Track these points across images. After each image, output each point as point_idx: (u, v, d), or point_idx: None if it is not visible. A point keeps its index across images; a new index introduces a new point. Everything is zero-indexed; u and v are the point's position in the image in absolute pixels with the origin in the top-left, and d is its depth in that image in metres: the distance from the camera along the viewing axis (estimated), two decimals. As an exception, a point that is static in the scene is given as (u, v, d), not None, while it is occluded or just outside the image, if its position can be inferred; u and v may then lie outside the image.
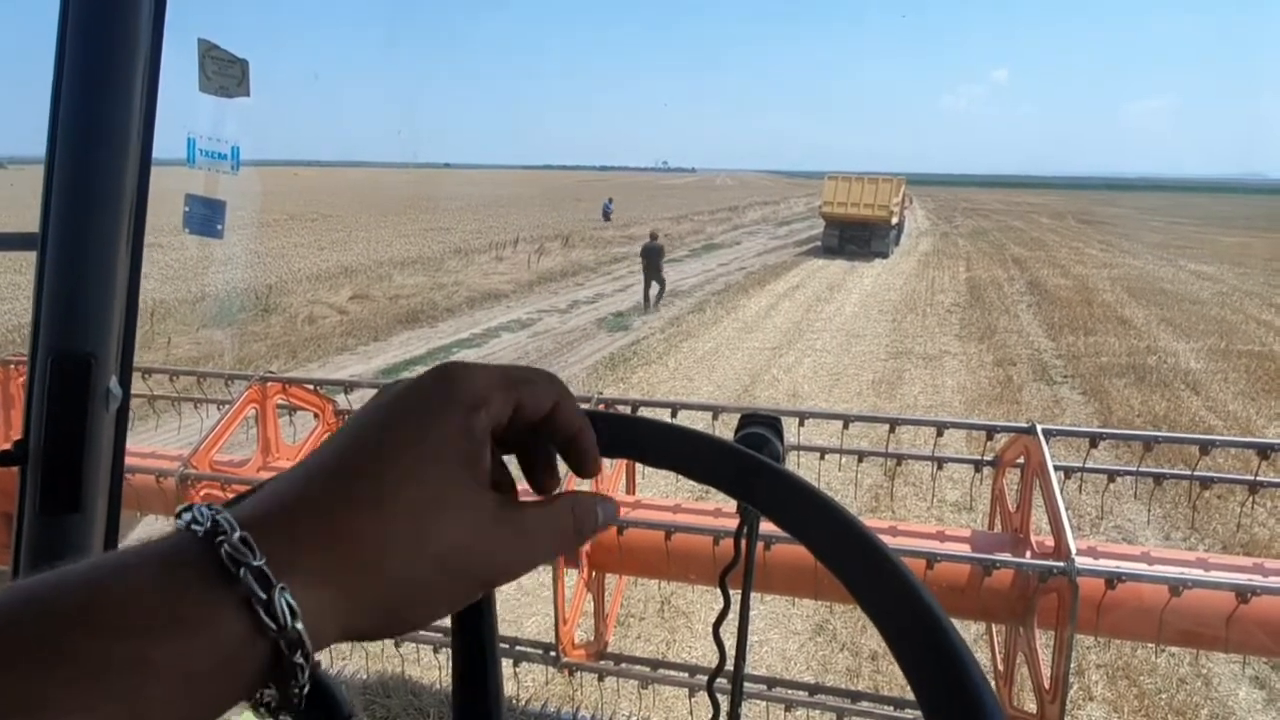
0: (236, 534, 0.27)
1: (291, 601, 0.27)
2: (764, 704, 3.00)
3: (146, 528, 3.61)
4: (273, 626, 0.27)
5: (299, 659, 0.27)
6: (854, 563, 0.32)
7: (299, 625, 0.27)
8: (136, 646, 0.24)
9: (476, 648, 0.42)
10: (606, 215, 35.61)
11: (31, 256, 0.91)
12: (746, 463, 0.36)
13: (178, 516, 0.29)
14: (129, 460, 1.02)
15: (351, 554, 0.30)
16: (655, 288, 15.64)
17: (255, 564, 0.27)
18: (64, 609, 0.25)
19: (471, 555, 0.32)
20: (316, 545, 0.29)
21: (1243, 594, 2.22)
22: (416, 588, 0.31)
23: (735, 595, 0.61)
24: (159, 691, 0.24)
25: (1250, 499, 2.93)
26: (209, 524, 0.28)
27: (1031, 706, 2.54)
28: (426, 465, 0.32)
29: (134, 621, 0.25)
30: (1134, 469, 2.93)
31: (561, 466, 0.41)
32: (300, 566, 0.28)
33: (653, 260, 15.63)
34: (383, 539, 0.30)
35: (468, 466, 0.33)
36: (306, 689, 0.28)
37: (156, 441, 4.44)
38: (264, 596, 0.27)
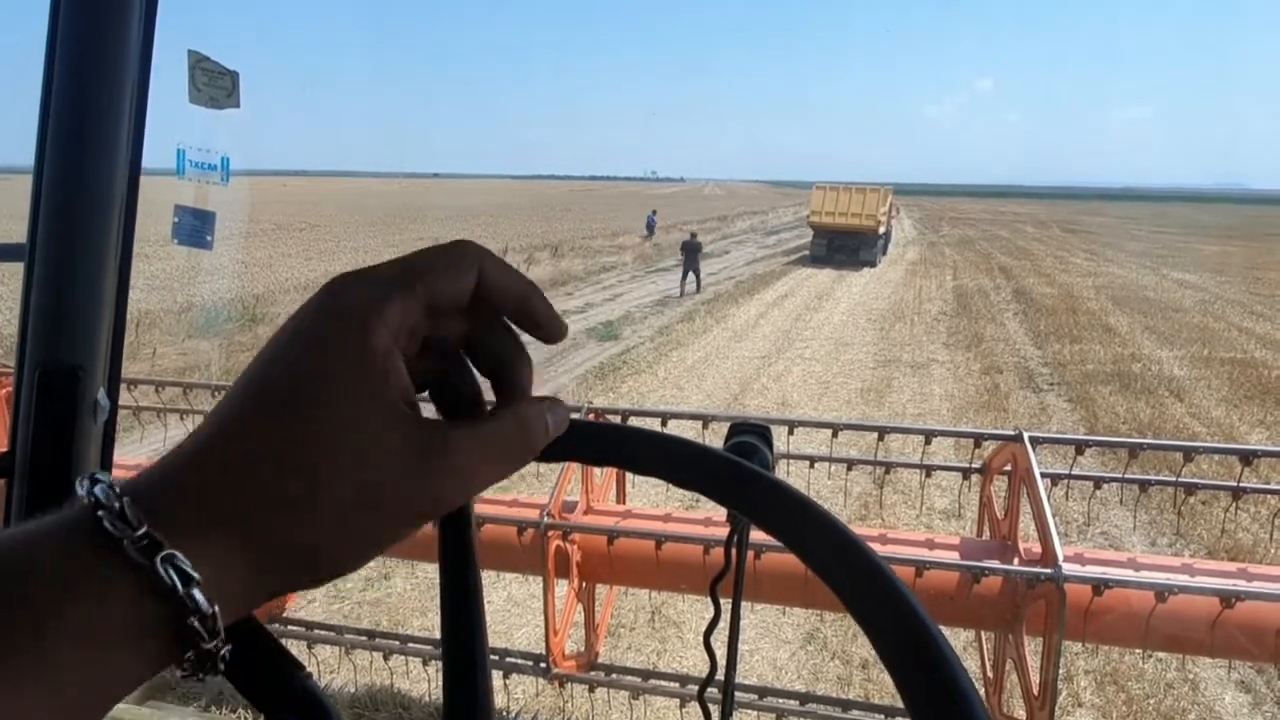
0: (117, 504, 0.27)
1: (183, 566, 0.26)
2: (755, 713, 2.99)
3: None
4: (166, 591, 0.26)
5: (194, 622, 0.26)
6: (844, 571, 0.33)
7: (194, 591, 0.26)
8: (36, 615, 0.24)
9: (466, 658, 0.42)
10: (650, 229, 33.15)
11: (19, 267, 0.90)
12: (737, 471, 0.37)
13: (79, 484, 0.28)
14: (115, 473, 1.01)
15: (253, 506, 0.28)
16: (691, 279, 18.59)
17: (137, 533, 0.26)
18: None
19: (398, 489, 0.30)
20: (211, 503, 0.28)
21: (1227, 599, 2.24)
22: (336, 531, 0.29)
23: (726, 604, 0.61)
24: (63, 659, 0.24)
25: (1234, 504, 2.97)
26: (93, 497, 0.27)
27: (1021, 713, 2.55)
28: (326, 397, 0.30)
29: (31, 591, 0.25)
30: (1120, 475, 2.96)
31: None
32: (194, 528, 0.27)
33: (691, 255, 18.71)
34: (284, 485, 0.28)
35: (373, 390, 0.30)
36: (223, 651, 0.28)
37: (141, 454, 4.40)
38: (145, 563, 0.26)
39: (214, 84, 0.96)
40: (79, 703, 0.25)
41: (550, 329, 0.36)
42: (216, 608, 0.27)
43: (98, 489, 0.27)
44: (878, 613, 0.31)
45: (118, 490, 0.28)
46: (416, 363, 0.33)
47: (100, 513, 0.27)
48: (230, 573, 0.28)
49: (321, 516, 0.29)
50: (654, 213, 35.36)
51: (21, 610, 0.25)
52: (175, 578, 0.26)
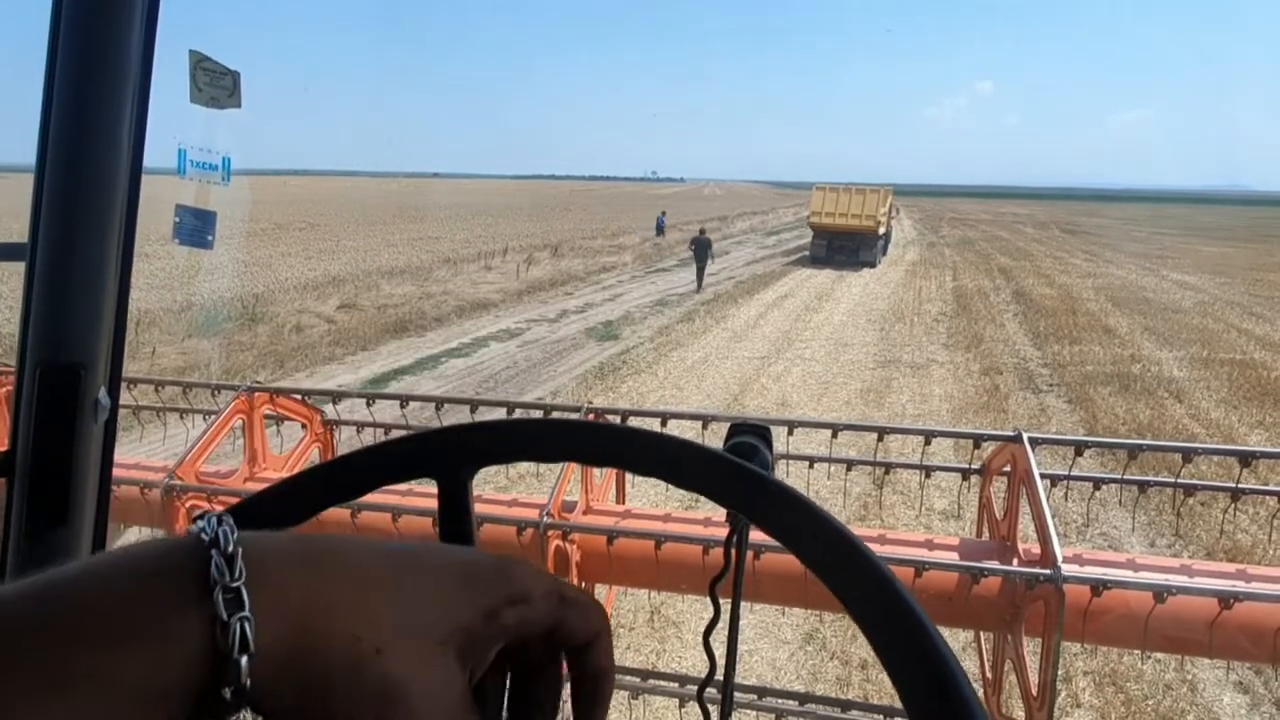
0: (230, 548, 0.27)
1: (249, 633, 0.26)
2: (754, 713, 2.99)
3: (131, 540, 3.57)
4: (223, 653, 0.26)
5: (226, 694, 0.26)
6: (843, 571, 0.33)
7: (243, 661, 0.26)
8: (93, 657, 0.24)
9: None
10: (660, 229, 32.99)
11: (20, 266, 0.90)
12: (737, 472, 0.37)
13: (193, 521, 0.29)
14: (114, 471, 1.01)
15: (311, 615, 0.28)
16: (701, 273, 19.90)
17: (233, 584, 0.26)
18: (26, 616, 0.25)
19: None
20: (291, 583, 0.28)
21: (1226, 600, 2.24)
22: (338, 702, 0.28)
23: (725, 604, 0.62)
24: (111, 704, 0.24)
25: (1233, 506, 2.96)
26: (213, 534, 0.28)
27: (1019, 714, 2.55)
28: (428, 606, 0.30)
29: (93, 631, 0.25)
30: (1119, 476, 2.96)
31: None
32: (268, 603, 0.27)
33: (701, 250, 20.04)
34: (336, 619, 0.28)
35: (460, 646, 0.30)
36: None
37: (141, 452, 4.40)
38: (224, 618, 0.26)
39: (215, 84, 0.96)
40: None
41: (593, 713, 0.36)
42: (249, 684, 0.26)
43: (222, 527, 0.28)
44: (876, 613, 0.31)
45: (235, 535, 0.28)
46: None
47: (214, 551, 0.27)
48: (269, 670, 0.27)
49: (334, 673, 0.28)
50: (663, 213, 35.18)
51: (77, 654, 0.24)
52: (236, 644, 0.26)
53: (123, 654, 0.25)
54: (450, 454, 0.43)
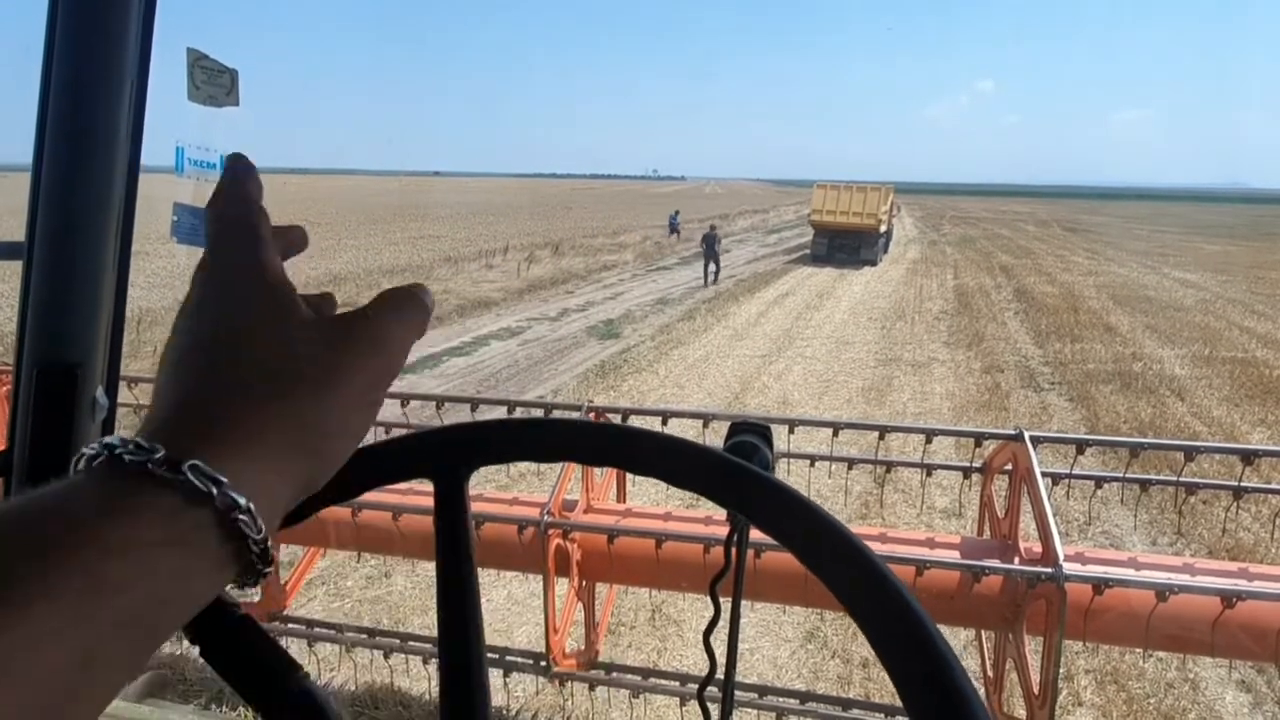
0: (131, 441, 0.29)
1: (208, 471, 0.28)
2: (755, 712, 2.99)
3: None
4: (203, 496, 0.28)
5: (239, 517, 0.29)
6: (842, 571, 0.32)
7: (229, 491, 0.28)
8: (75, 538, 0.25)
9: (463, 657, 0.42)
10: (673, 228, 32.64)
11: (17, 266, 0.90)
12: (736, 471, 0.36)
13: (76, 462, 0.30)
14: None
15: (243, 408, 0.32)
16: (712, 268, 20.28)
17: (156, 455, 0.28)
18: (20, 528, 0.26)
19: (299, 361, 0.34)
20: (213, 417, 0.31)
21: (1228, 599, 2.24)
22: (333, 416, 0.34)
23: (726, 603, 0.61)
24: (112, 573, 0.25)
25: (1235, 504, 2.96)
26: (105, 448, 0.29)
27: (1021, 712, 2.55)
28: (241, 298, 0.35)
29: (67, 520, 0.26)
30: (1120, 475, 2.95)
31: None
32: (206, 442, 0.30)
33: (710, 246, 20.36)
34: (254, 381, 0.33)
35: (271, 290, 0.36)
36: (269, 545, 0.30)
37: (142, 451, 4.39)
38: (173, 476, 0.28)
39: (213, 82, 0.96)
40: (149, 614, 0.26)
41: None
42: (251, 503, 0.29)
43: (105, 439, 0.29)
44: (876, 612, 0.31)
45: (124, 436, 0.30)
46: None
47: (117, 451, 0.28)
48: (249, 475, 0.30)
49: (301, 437, 0.33)
50: (676, 212, 34.77)
51: (60, 533, 0.25)
52: (208, 483, 0.28)
53: (94, 541, 0.25)
54: (446, 454, 0.42)
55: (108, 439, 0.30)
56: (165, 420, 0.32)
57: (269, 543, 0.30)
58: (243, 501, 0.29)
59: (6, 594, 0.23)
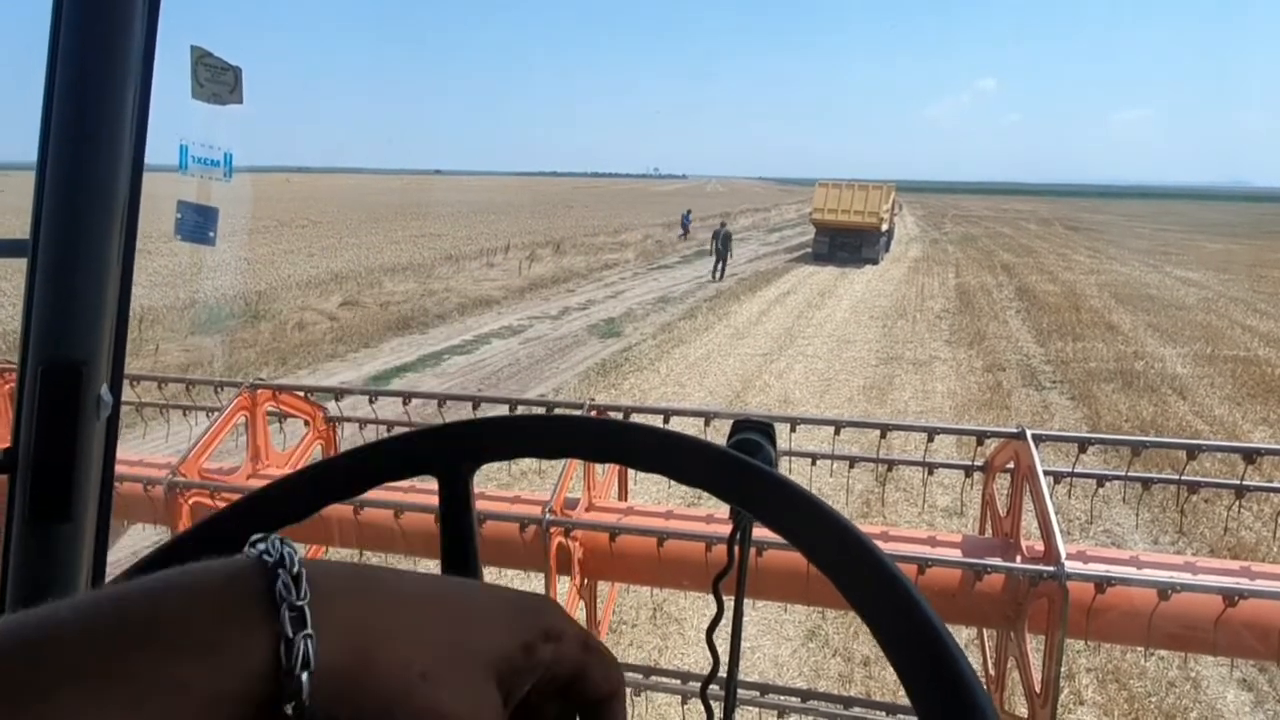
0: (296, 569, 0.28)
1: (311, 652, 0.27)
2: (757, 710, 2.99)
3: (134, 537, 3.58)
4: (287, 669, 0.27)
5: (288, 710, 0.26)
6: (850, 568, 0.32)
7: (304, 678, 0.27)
8: (162, 665, 0.25)
9: None
10: (685, 227, 32.63)
11: (22, 263, 0.90)
12: (742, 468, 0.37)
13: (250, 545, 0.30)
14: (117, 468, 1.01)
15: (368, 636, 0.29)
16: (720, 265, 20.83)
17: (297, 602, 0.27)
18: (95, 624, 0.25)
19: None
20: (359, 620, 0.29)
21: (1230, 597, 2.24)
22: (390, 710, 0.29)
23: (728, 601, 0.61)
24: (178, 712, 0.25)
25: (1237, 503, 2.96)
26: (277, 556, 0.29)
27: (1023, 711, 2.55)
28: (472, 635, 0.32)
29: (163, 640, 0.25)
30: (1122, 474, 2.95)
31: None
32: (331, 627, 0.28)
33: (721, 243, 20.90)
34: (390, 642, 0.29)
35: (500, 675, 0.32)
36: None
37: (145, 449, 4.41)
38: (290, 636, 0.27)
39: (216, 80, 0.96)
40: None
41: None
42: (309, 702, 0.27)
43: (286, 549, 0.29)
44: (884, 609, 0.31)
45: (299, 556, 0.29)
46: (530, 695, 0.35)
47: (280, 570, 0.28)
48: (330, 685, 0.28)
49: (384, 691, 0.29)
50: (689, 211, 34.84)
51: (165, 665, 0.25)
52: (299, 660, 0.27)
53: (191, 663, 0.25)
54: (450, 451, 0.42)
55: (289, 544, 0.29)
56: (343, 578, 0.30)
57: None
58: (306, 697, 0.27)
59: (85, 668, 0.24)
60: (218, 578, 0.28)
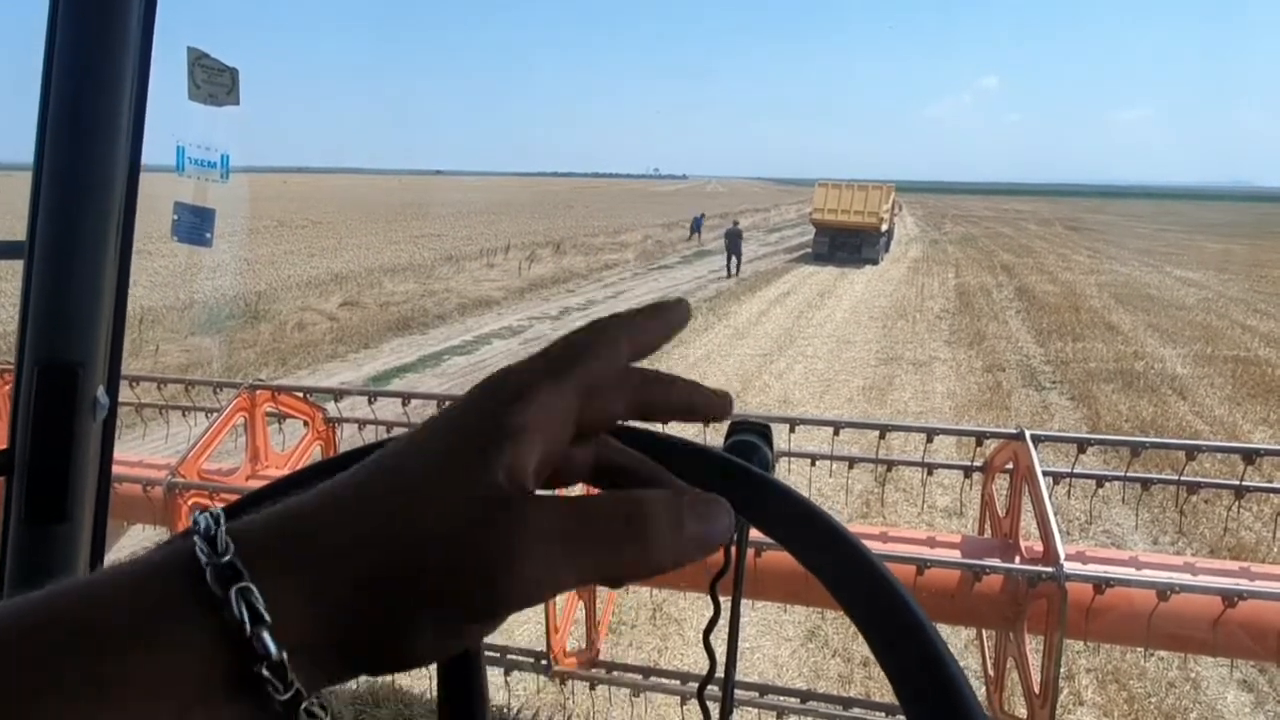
0: (213, 530, 0.26)
1: (256, 603, 0.24)
2: (756, 711, 2.99)
3: (133, 538, 3.58)
4: (234, 630, 0.24)
5: (263, 670, 0.24)
6: (840, 571, 0.32)
7: (264, 633, 0.24)
8: (116, 663, 0.23)
9: (462, 656, 0.42)
10: (696, 230, 32.36)
11: (19, 265, 0.90)
12: (735, 471, 0.36)
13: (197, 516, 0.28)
14: (116, 469, 1.01)
15: (331, 571, 0.26)
16: (734, 261, 21.54)
17: (222, 560, 0.25)
18: (54, 630, 0.24)
19: (455, 576, 0.26)
20: (299, 553, 0.26)
21: (1230, 598, 2.24)
22: (390, 618, 0.26)
23: (726, 602, 0.61)
24: (138, 703, 0.23)
25: (1236, 503, 2.96)
26: (202, 525, 0.26)
27: (1022, 711, 2.55)
28: (434, 472, 0.28)
29: (113, 637, 0.24)
30: (1122, 474, 2.95)
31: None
32: (274, 573, 0.25)
33: (733, 241, 21.67)
34: (362, 560, 0.26)
35: (473, 466, 0.28)
36: (306, 705, 0.25)
37: (144, 450, 4.40)
38: (220, 595, 0.24)
39: (213, 80, 0.96)
40: None
41: (714, 405, 0.35)
42: (286, 655, 0.24)
43: (203, 516, 0.26)
44: (874, 613, 0.31)
45: (220, 520, 0.26)
46: (573, 452, 0.31)
47: (196, 538, 0.26)
48: (304, 628, 0.25)
49: (381, 601, 0.26)
50: (701, 215, 34.63)
51: (105, 662, 0.23)
52: (245, 614, 0.24)
53: (128, 657, 0.23)
54: None
55: (213, 511, 0.27)
56: (272, 522, 0.27)
57: (303, 706, 0.25)
58: (274, 653, 0.24)
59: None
60: (148, 564, 0.26)
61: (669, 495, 0.29)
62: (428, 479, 0.28)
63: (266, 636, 0.24)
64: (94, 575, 0.26)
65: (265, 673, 0.24)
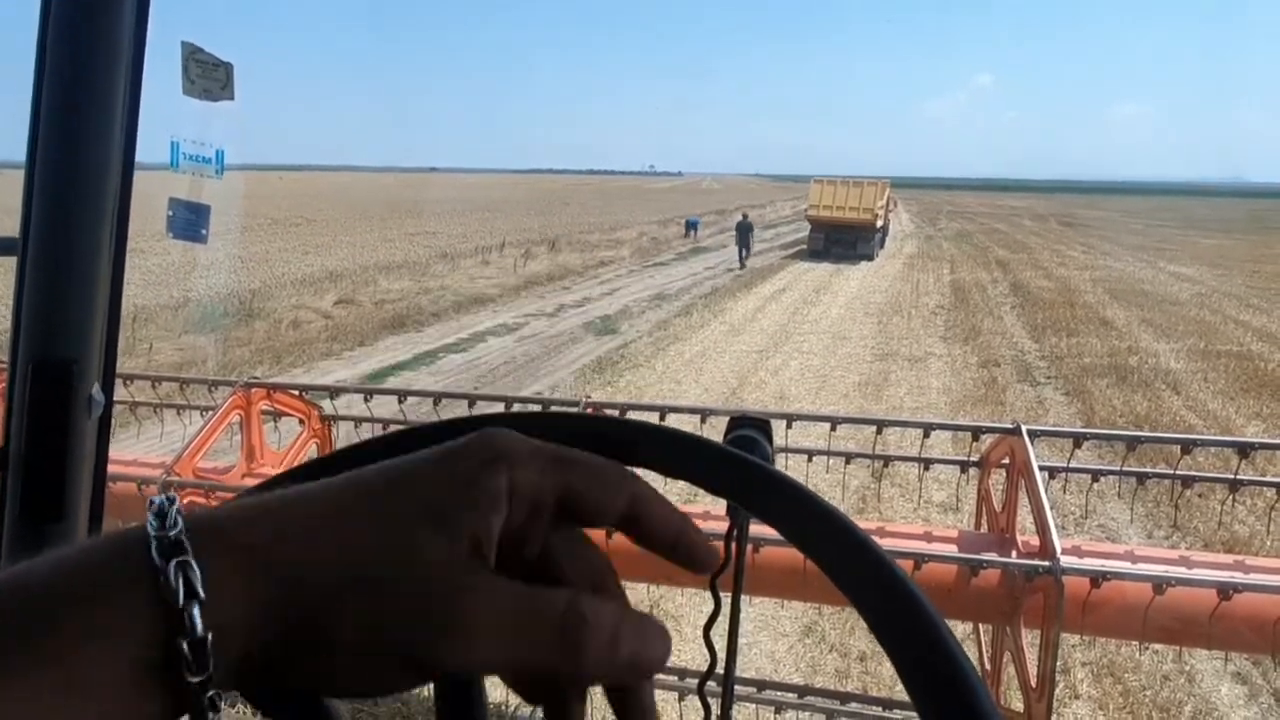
0: (168, 510, 0.26)
1: (193, 579, 0.24)
2: (754, 706, 3.00)
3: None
4: (166, 600, 0.24)
5: (181, 644, 0.24)
6: (849, 564, 0.32)
7: (194, 609, 0.24)
8: (45, 617, 0.23)
9: None
10: (694, 229, 32.92)
11: (11, 262, 0.89)
12: (739, 465, 0.36)
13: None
14: (111, 468, 1.00)
15: (285, 575, 0.26)
16: (745, 252, 22.90)
17: (171, 534, 0.25)
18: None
19: (398, 628, 0.26)
20: (250, 544, 0.26)
21: (1224, 591, 2.25)
22: (336, 653, 0.26)
23: (725, 598, 0.61)
24: (61, 660, 0.23)
25: (1231, 497, 2.97)
26: (158, 514, 0.26)
27: (1018, 705, 2.56)
28: (394, 497, 0.28)
29: (49, 596, 0.24)
30: (1117, 469, 2.96)
31: None
32: (218, 554, 0.25)
33: (743, 233, 23.04)
34: (316, 576, 0.26)
35: (435, 520, 0.27)
36: (210, 695, 0.24)
37: (139, 449, 4.39)
38: (160, 564, 0.24)
39: (208, 76, 0.95)
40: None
41: (706, 559, 0.33)
42: (210, 636, 0.24)
43: (171, 505, 0.26)
44: (884, 606, 0.31)
45: (175, 500, 0.26)
46: (535, 533, 0.31)
47: (149, 514, 0.26)
48: (234, 614, 0.25)
49: (316, 615, 0.26)
50: (698, 217, 35.90)
51: (36, 616, 0.23)
52: (181, 589, 0.24)
53: (62, 647, 0.23)
54: None
55: (173, 495, 0.27)
56: (233, 510, 0.27)
57: (207, 694, 0.24)
58: (199, 630, 0.24)
59: None
60: (95, 552, 0.25)
61: (614, 609, 0.28)
62: (397, 518, 0.27)
63: (196, 612, 0.24)
64: (42, 559, 0.26)
65: (185, 649, 0.24)
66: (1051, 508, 2.48)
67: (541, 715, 0.34)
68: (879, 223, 25.83)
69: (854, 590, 0.32)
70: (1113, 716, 3.92)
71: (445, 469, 0.29)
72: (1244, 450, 2.77)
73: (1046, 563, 2.34)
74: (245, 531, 0.26)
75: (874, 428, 3.12)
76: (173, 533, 0.25)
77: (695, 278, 20.73)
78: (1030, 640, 2.52)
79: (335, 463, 0.44)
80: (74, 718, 0.23)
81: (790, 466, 3.17)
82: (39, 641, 0.23)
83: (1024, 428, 2.75)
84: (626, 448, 0.39)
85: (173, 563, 0.24)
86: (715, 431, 0.62)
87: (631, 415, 3.25)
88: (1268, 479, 3.21)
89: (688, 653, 4.16)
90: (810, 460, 3.21)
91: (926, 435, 3.08)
